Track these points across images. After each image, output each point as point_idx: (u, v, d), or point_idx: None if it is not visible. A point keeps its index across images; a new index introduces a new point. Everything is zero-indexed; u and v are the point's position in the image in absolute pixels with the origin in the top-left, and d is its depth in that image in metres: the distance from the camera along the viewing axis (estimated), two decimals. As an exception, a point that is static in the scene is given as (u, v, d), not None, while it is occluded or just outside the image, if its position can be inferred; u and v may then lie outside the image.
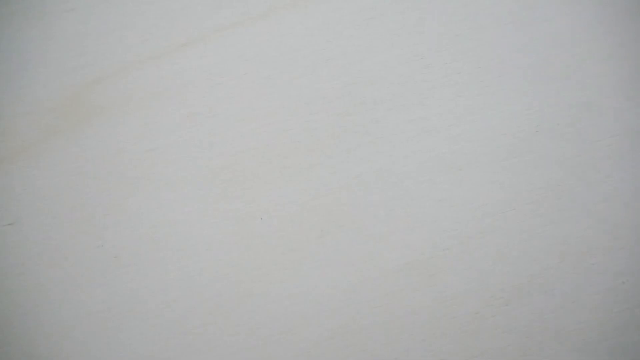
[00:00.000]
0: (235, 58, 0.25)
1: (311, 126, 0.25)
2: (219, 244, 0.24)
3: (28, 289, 0.23)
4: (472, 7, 0.26)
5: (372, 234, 0.24)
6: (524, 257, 0.23)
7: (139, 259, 0.23)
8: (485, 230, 0.23)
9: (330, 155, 0.24)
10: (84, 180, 0.24)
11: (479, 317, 0.23)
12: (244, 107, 0.25)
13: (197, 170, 0.24)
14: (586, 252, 0.23)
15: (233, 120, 0.25)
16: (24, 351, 0.23)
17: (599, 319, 0.23)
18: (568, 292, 0.23)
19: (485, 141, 0.24)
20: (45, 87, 0.25)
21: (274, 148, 0.24)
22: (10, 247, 0.24)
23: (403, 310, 0.23)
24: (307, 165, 0.24)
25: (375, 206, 0.24)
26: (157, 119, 0.25)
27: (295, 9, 0.26)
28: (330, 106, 0.25)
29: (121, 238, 0.24)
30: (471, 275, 0.23)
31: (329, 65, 0.25)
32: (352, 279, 0.23)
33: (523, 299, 0.23)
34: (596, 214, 0.24)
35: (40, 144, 0.24)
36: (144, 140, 0.24)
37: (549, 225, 0.23)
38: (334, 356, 0.23)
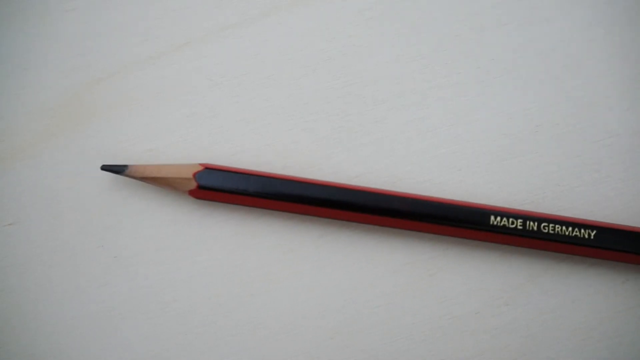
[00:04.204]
0: (235, 58, 0.25)
1: (311, 126, 0.25)
2: (219, 245, 0.24)
3: (28, 289, 0.23)
4: (472, 7, 0.26)
5: (372, 232, 0.24)
6: (524, 257, 0.23)
7: (139, 259, 0.23)
8: (485, 230, 0.23)
9: (330, 155, 0.24)
10: (84, 180, 0.24)
11: (479, 317, 0.23)
12: (244, 107, 0.25)
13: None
14: (586, 252, 0.23)
15: (233, 120, 0.25)
16: (24, 351, 0.23)
17: (599, 319, 0.23)
18: (568, 292, 0.23)
19: (485, 141, 0.24)
20: (45, 87, 0.25)
21: (274, 148, 0.24)
22: (10, 247, 0.24)
23: (403, 310, 0.23)
24: (307, 165, 0.24)
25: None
26: (157, 119, 0.25)
27: (295, 9, 0.26)
28: (330, 106, 0.25)
29: (121, 238, 0.24)
30: (471, 275, 0.23)
31: (329, 65, 0.25)
32: (352, 279, 0.23)
33: (523, 299, 0.23)
34: (596, 214, 0.24)
35: (40, 144, 0.24)
36: (144, 140, 0.24)
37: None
38: (334, 356, 0.23)
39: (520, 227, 0.22)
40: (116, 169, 0.23)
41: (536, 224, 0.22)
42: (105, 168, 0.23)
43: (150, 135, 0.24)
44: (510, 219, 0.22)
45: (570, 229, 0.22)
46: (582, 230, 0.22)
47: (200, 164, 0.23)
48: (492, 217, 0.22)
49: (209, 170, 0.23)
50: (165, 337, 0.23)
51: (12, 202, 0.24)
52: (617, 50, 0.25)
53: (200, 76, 0.25)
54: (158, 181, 0.23)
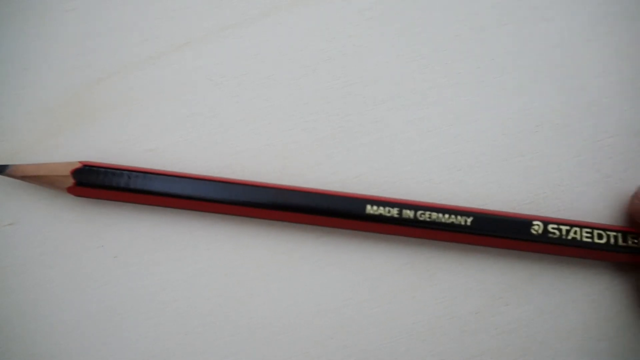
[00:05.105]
0: (235, 58, 0.25)
1: (311, 126, 0.25)
2: (219, 245, 0.24)
3: (28, 289, 0.23)
4: (472, 7, 0.26)
5: (372, 232, 0.24)
6: (524, 257, 0.23)
7: (139, 259, 0.23)
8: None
9: (330, 155, 0.24)
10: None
11: (479, 317, 0.23)
12: (244, 107, 0.25)
13: (197, 171, 0.24)
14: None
15: (233, 120, 0.25)
16: (24, 351, 0.23)
17: (598, 319, 0.23)
18: (568, 292, 0.23)
19: (485, 141, 0.24)
20: (45, 87, 0.25)
21: (274, 148, 0.24)
22: (10, 247, 0.24)
23: (403, 310, 0.23)
24: (307, 165, 0.24)
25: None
26: (157, 119, 0.25)
27: (295, 9, 0.26)
28: (330, 106, 0.25)
29: (121, 238, 0.24)
30: (471, 275, 0.23)
31: (329, 65, 0.25)
32: (352, 279, 0.23)
33: (523, 299, 0.23)
34: (596, 214, 0.24)
35: (40, 144, 0.24)
36: (144, 140, 0.24)
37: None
38: (334, 356, 0.23)
39: (397, 216, 0.22)
40: None
41: (412, 212, 0.22)
42: None
43: (150, 135, 0.24)
44: (387, 208, 0.22)
45: (446, 216, 0.22)
46: (459, 217, 0.22)
47: (80, 162, 0.23)
48: (369, 206, 0.22)
49: (87, 167, 0.23)
50: (165, 337, 0.23)
51: (12, 202, 0.24)
52: (617, 50, 0.25)
53: (200, 76, 0.25)
54: (38, 180, 0.23)
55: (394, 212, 0.22)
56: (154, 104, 0.25)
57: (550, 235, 0.22)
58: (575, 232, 0.22)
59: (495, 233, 0.22)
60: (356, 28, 0.25)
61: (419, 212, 0.22)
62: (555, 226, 0.22)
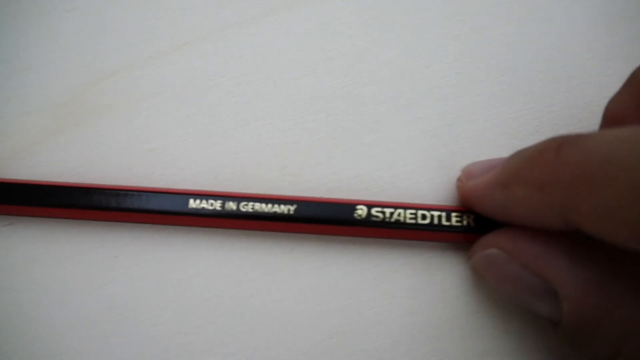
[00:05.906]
0: (235, 58, 0.25)
1: (311, 126, 0.25)
2: (219, 245, 0.24)
3: (28, 289, 0.23)
4: (472, 7, 0.26)
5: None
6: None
7: (139, 259, 0.23)
8: (485, 230, 0.23)
9: (330, 155, 0.24)
10: (84, 180, 0.24)
11: (478, 317, 0.23)
12: (244, 107, 0.25)
13: (197, 171, 0.24)
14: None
15: (233, 120, 0.25)
16: (23, 351, 0.23)
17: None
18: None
19: (485, 141, 0.24)
20: (45, 87, 0.25)
21: (274, 148, 0.24)
22: (10, 247, 0.24)
23: (403, 310, 0.23)
24: (307, 165, 0.24)
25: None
26: (157, 119, 0.25)
27: (295, 9, 0.26)
28: (330, 106, 0.25)
29: (121, 238, 0.24)
30: (471, 275, 0.23)
31: (329, 65, 0.25)
32: (352, 279, 0.23)
33: (523, 299, 0.23)
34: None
35: (40, 143, 0.24)
36: (144, 140, 0.24)
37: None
38: (334, 356, 0.23)
39: (220, 208, 0.22)
40: None
41: (235, 203, 0.22)
42: None
43: (150, 135, 0.24)
44: (210, 201, 0.22)
45: (269, 205, 0.22)
46: (282, 206, 0.22)
47: None
48: (191, 201, 0.22)
49: None
50: (165, 337, 0.23)
51: (12, 202, 0.24)
52: (617, 50, 0.25)
53: (200, 76, 0.25)
54: None
55: (217, 204, 0.22)
56: (154, 104, 0.25)
57: (374, 218, 0.22)
58: (399, 214, 0.22)
59: (320, 220, 0.22)
60: (356, 28, 0.25)
61: (242, 204, 0.22)
62: (379, 209, 0.22)
